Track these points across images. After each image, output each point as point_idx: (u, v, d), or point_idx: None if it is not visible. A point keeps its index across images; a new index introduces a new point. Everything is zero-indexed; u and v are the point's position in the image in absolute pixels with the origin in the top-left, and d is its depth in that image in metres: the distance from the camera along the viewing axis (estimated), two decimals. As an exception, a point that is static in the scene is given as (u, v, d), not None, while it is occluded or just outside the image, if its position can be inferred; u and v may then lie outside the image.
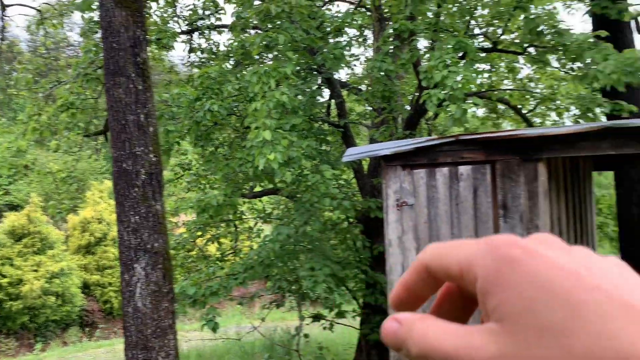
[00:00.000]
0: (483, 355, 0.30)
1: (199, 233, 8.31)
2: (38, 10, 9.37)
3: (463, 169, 4.03)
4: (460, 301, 0.37)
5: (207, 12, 8.40)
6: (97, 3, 5.88)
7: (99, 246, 16.39)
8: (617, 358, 0.27)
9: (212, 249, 9.41)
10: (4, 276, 14.17)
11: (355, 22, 6.32)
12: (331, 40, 6.73)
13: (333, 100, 8.05)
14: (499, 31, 6.68)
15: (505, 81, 9.00)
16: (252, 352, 10.50)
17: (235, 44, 6.76)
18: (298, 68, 6.96)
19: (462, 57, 6.10)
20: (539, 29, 5.35)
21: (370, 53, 10.13)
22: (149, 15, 7.95)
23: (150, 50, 7.44)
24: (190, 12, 8.51)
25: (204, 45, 8.70)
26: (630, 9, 6.32)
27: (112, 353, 12.43)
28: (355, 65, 10.88)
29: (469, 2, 6.18)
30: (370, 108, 8.61)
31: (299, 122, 6.09)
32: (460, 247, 0.34)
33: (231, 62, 8.05)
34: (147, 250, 4.19)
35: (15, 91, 10.51)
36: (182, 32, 8.75)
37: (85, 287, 15.98)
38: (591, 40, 5.20)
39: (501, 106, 8.67)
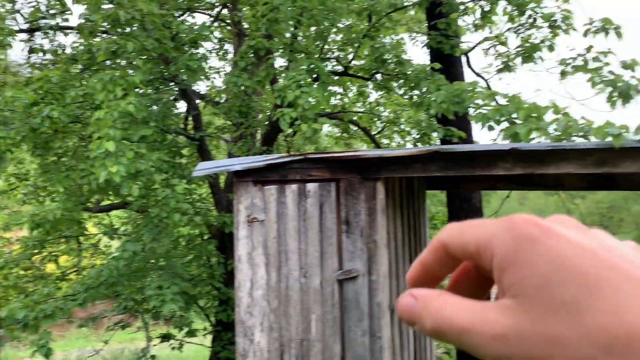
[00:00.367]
0: (498, 330, 0.31)
1: (35, 250, 7.56)
2: None
3: (311, 186, 4.17)
4: (476, 279, 0.37)
5: (52, 11, 7.77)
6: None
7: None
8: (630, 334, 0.28)
9: (51, 267, 8.62)
10: None
11: (211, 35, 6.26)
12: (193, 51, 6.61)
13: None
14: (350, 56, 7.08)
15: (358, 104, 9.55)
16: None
17: (82, 47, 6.32)
18: (152, 77, 6.72)
19: (316, 79, 6.35)
20: (384, 57, 5.76)
21: (230, 67, 10.11)
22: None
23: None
24: (33, 9, 7.81)
25: (48, 46, 8.02)
26: (462, 45, 7.10)
27: None
28: (215, 78, 10.79)
29: (324, 27, 6.47)
30: (230, 122, 8.59)
31: (150, 133, 5.86)
32: (479, 226, 0.34)
33: (79, 66, 7.52)
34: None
35: None
36: (22, 31, 7.99)
37: None
38: (427, 71, 5.73)
39: (354, 127, 9.18)
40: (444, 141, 6.34)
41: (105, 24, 5.52)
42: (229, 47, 10.37)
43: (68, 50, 7.85)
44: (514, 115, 4.32)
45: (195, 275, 7.79)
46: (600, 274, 0.29)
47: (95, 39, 6.68)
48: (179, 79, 6.61)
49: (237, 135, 8.08)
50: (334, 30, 7.56)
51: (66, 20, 7.79)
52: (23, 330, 5.86)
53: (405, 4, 6.62)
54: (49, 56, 8.02)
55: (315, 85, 5.78)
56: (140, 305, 7.93)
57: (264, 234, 4.31)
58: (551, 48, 5.74)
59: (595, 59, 5.12)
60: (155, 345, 7.70)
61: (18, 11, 7.97)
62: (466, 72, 7.27)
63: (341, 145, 9.53)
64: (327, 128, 11.31)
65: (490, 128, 4.58)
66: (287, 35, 6.65)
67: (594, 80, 5.00)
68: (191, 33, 6.36)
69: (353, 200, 4.07)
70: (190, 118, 8.04)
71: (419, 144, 6.62)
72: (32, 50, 7.98)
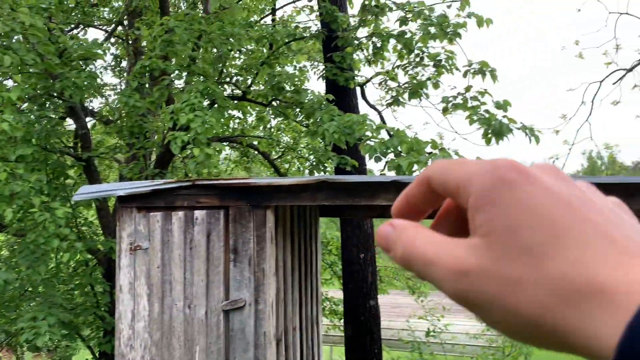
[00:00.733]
0: (461, 266, 0.31)
1: None
2: None
3: (198, 213, 4.09)
4: (457, 218, 0.36)
5: None
6: None
7: None
8: (589, 286, 0.27)
9: None
10: None
11: (101, 52, 6.01)
12: (83, 67, 6.29)
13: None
14: (249, 82, 7.11)
15: (259, 128, 9.57)
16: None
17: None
18: (35, 94, 6.30)
19: (213, 103, 6.29)
20: (280, 85, 5.84)
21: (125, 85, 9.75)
22: None
23: None
24: None
25: None
26: (358, 78, 7.38)
27: None
28: (110, 96, 10.34)
29: (223, 52, 6.45)
30: (123, 142, 8.24)
31: (30, 152, 5.47)
32: (464, 165, 0.33)
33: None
34: None
35: None
36: None
37: None
38: (323, 101, 5.88)
39: (254, 151, 9.16)
40: (338, 169, 6.51)
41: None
42: (126, 64, 10.02)
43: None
44: (400, 148, 4.53)
45: (80, 303, 7.30)
46: (571, 224, 0.29)
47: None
48: (66, 96, 6.26)
49: (129, 156, 7.77)
50: (234, 55, 7.57)
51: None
52: None
53: (304, 35, 6.79)
54: None
55: (210, 110, 5.73)
56: (14, 337, 7.27)
57: (147, 263, 4.14)
58: (436, 85, 6.14)
59: (473, 98, 5.54)
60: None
61: None
62: (361, 103, 7.55)
63: (240, 169, 9.47)
64: (228, 151, 11.22)
65: (378, 159, 4.77)
66: (186, 57, 6.55)
67: (471, 118, 5.39)
68: (81, 49, 6.06)
69: (242, 229, 4.03)
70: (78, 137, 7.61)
71: (315, 171, 6.74)
72: None
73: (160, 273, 4.11)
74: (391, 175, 4.61)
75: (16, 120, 4.78)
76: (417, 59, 6.13)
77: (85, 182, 7.79)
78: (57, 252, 6.30)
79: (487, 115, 5.24)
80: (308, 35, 6.69)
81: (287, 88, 6.08)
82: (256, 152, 8.91)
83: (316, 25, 7.25)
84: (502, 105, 5.22)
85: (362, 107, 7.65)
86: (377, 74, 6.55)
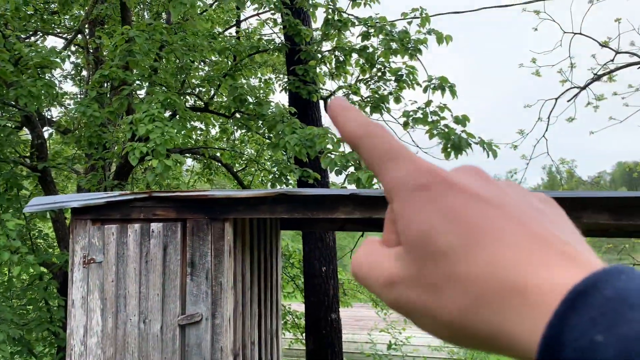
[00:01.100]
0: (389, 277, 0.31)
1: None
2: None
3: (155, 226, 4.01)
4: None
5: None
6: None
7: None
8: (504, 287, 0.26)
9: None
10: None
11: (59, 61, 5.88)
12: (48, 76, 6.13)
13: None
14: (212, 93, 7.06)
15: (223, 140, 9.50)
16: None
17: None
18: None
19: (175, 114, 6.22)
20: (242, 97, 5.82)
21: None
22: None
23: None
24: None
25: None
26: (321, 91, 7.42)
27: None
28: (70, 105, 10.11)
29: (185, 63, 6.39)
30: (82, 152, 8.05)
31: (-20, 162, 5.29)
32: (399, 169, 0.32)
33: None
34: None
35: None
36: None
37: None
38: (286, 113, 5.88)
39: (217, 163, 9.08)
40: (301, 182, 6.51)
41: None
42: (86, 73, 9.82)
43: None
44: (360, 161, 4.55)
45: (33, 319, 7.04)
46: (489, 224, 0.28)
47: None
48: (21, 104, 6.09)
49: (87, 167, 7.60)
50: (197, 66, 7.51)
51: None
52: None
53: (267, 47, 6.80)
54: None
55: (171, 121, 5.66)
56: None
57: (101, 277, 4.04)
58: (397, 100, 6.23)
59: (433, 113, 5.63)
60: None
61: None
62: (325, 117, 7.59)
63: (203, 181, 9.36)
64: (191, 163, 11.09)
65: (338, 172, 4.79)
66: (147, 67, 6.46)
67: (432, 132, 5.48)
68: (37, 57, 5.91)
69: (200, 242, 3.98)
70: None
71: (277, 184, 6.72)
72: None
73: (115, 287, 4.01)
74: (351, 188, 4.64)
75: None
76: (379, 74, 6.21)
77: (41, 193, 7.57)
78: (9, 265, 6.08)
79: (446, 130, 5.34)
80: (271, 47, 6.71)
81: (250, 100, 6.06)
82: (219, 164, 8.83)
83: (279, 38, 7.27)
84: (461, 120, 5.33)
85: (326, 120, 7.69)
86: (340, 87, 6.61)
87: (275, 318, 5.22)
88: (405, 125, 5.86)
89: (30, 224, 7.51)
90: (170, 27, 6.44)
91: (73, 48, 9.53)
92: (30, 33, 7.84)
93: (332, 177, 7.81)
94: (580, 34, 7.03)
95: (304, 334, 7.39)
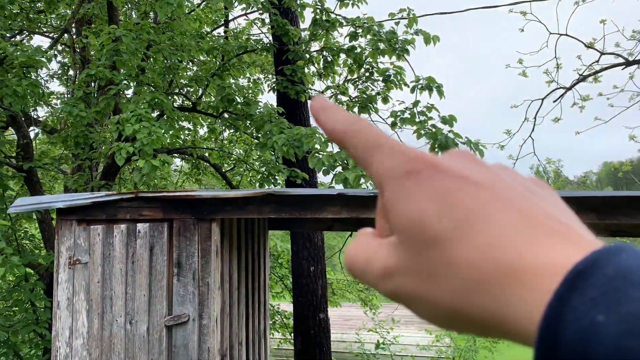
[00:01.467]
0: (386, 268, 0.30)
1: None
2: None
3: (141, 227, 3.99)
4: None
5: None
6: None
7: None
8: (497, 269, 0.26)
9: None
10: None
11: (45, 60, 5.83)
12: (34, 75, 6.07)
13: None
14: (200, 93, 7.03)
15: (212, 140, 9.47)
16: None
17: None
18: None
19: (162, 114, 6.19)
20: (230, 97, 5.81)
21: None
22: None
23: None
24: None
25: None
26: (310, 91, 7.42)
27: None
28: (56, 105, 10.02)
29: (172, 62, 6.36)
30: (69, 153, 7.99)
31: (-35, 163, 5.23)
32: (387, 159, 0.31)
33: None
34: None
35: None
36: None
37: None
38: (273, 113, 5.87)
39: (206, 163, 9.05)
40: (289, 182, 6.50)
41: None
42: (73, 73, 9.74)
43: None
44: (347, 161, 4.57)
45: (19, 320, 6.98)
46: (482, 206, 0.27)
47: None
48: (6, 104, 6.03)
49: (74, 167, 7.54)
50: (185, 65, 7.48)
51: None
52: None
53: (255, 47, 6.79)
54: None
55: (158, 120, 5.63)
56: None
57: (87, 278, 4.01)
58: (385, 100, 6.25)
59: (421, 113, 5.66)
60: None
61: None
62: (313, 117, 7.58)
63: (192, 182, 9.33)
64: (179, 163, 11.04)
65: (326, 172, 4.79)
66: (134, 66, 6.43)
67: (419, 132, 5.50)
68: (22, 56, 5.86)
69: (186, 242, 3.96)
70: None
71: (265, 184, 6.71)
72: None
73: (101, 288, 3.98)
74: (339, 188, 4.65)
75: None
76: (367, 74, 6.23)
77: (27, 193, 7.50)
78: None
79: (433, 130, 5.36)
80: (259, 47, 6.70)
81: (238, 100, 6.05)
82: (207, 164, 8.80)
83: (268, 38, 7.27)
84: (448, 121, 5.35)
85: (314, 120, 7.69)
86: (328, 87, 6.61)
87: (263, 318, 5.22)
88: (393, 125, 5.88)
89: (16, 224, 7.44)
90: (157, 26, 6.41)
91: (60, 47, 9.45)
92: (16, 32, 7.77)
93: (321, 177, 7.81)
94: (566, 35, 7.09)
95: (292, 334, 7.39)
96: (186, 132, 8.12)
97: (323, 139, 4.81)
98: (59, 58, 9.72)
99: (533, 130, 7.34)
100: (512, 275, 0.26)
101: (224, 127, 7.46)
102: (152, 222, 3.98)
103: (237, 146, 9.04)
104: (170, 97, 6.65)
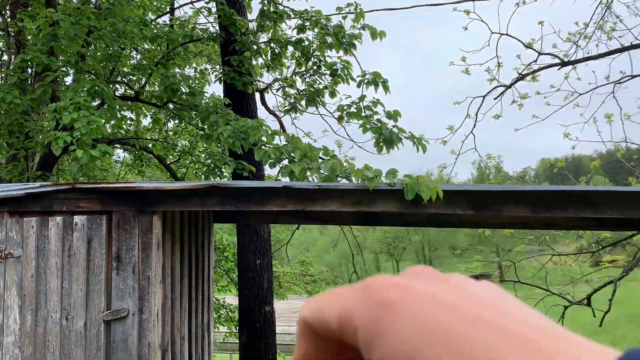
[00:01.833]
0: None
1: None
2: None
3: (78, 219, 3.85)
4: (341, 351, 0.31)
5: None
6: None
7: None
8: None
9: None
10: None
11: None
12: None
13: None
14: (143, 82, 6.84)
15: (155, 131, 9.23)
16: None
17: None
18: None
19: (103, 103, 5.98)
20: (174, 87, 5.68)
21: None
22: None
23: None
24: None
25: None
26: (258, 83, 7.36)
27: None
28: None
29: (114, 50, 6.15)
30: (4, 142, 7.60)
31: None
32: (337, 296, 0.30)
33: None
34: None
35: None
36: None
37: None
38: (220, 104, 5.79)
39: (150, 154, 8.82)
40: (235, 174, 6.44)
41: None
42: (7, 58, 9.25)
43: None
44: (293, 154, 4.57)
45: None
46: (464, 329, 0.26)
47: None
48: None
49: (9, 156, 7.19)
50: (127, 53, 7.25)
51: None
52: None
53: (202, 36, 6.66)
54: None
55: (98, 109, 5.44)
56: None
57: (19, 272, 3.83)
58: (332, 94, 6.28)
59: (367, 108, 5.72)
60: None
61: None
62: (261, 109, 7.54)
63: (134, 173, 9.08)
64: (122, 154, 10.71)
65: (272, 165, 4.78)
66: (73, 53, 6.17)
67: (365, 127, 5.57)
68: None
69: (126, 235, 3.86)
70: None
71: (211, 176, 6.62)
72: None
73: (35, 283, 3.82)
74: (285, 181, 4.64)
75: None
76: (315, 67, 6.23)
77: (-46, 184, 7.08)
78: None
79: (378, 125, 5.44)
80: (205, 37, 6.57)
81: (183, 90, 5.92)
82: (151, 156, 8.59)
83: (214, 27, 7.15)
84: (393, 115, 5.44)
85: (262, 113, 7.64)
86: (276, 80, 6.58)
87: (206, 312, 5.16)
88: (340, 119, 5.92)
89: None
90: (99, 12, 6.18)
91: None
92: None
93: (268, 170, 7.79)
94: (507, 34, 7.35)
95: (237, 328, 7.35)
96: (128, 122, 7.88)
97: (270, 131, 4.79)
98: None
99: (474, 126, 7.58)
100: None
101: (168, 118, 7.30)
102: (90, 215, 3.85)
103: (182, 137, 8.86)
104: (111, 86, 6.43)
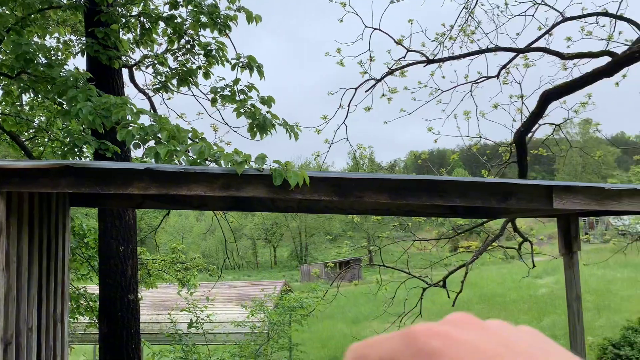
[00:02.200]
0: None
1: None
2: None
3: None
4: None
5: None
6: None
7: None
8: None
9: None
10: None
11: None
12: None
13: None
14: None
15: (10, 103, 8.32)
16: None
17: None
18: None
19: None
20: (27, 56, 5.15)
21: None
22: None
23: None
24: None
25: None
26: (126, 59, 6.93)
27: None
28: None
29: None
30: None
31: None
32: (381, 343, 0.32)
33: None
34: None
35: None
36: None
37: None
38: (80, 78, 5.36)
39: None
40: (97, 154, 6.03)
41: None
42: None
43: None
44: (160, 135, 4.38)
45: None
46: None
47: None
48: None
49: None
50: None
51: None
52: None
53: (62, 2, 6.10)
54: None
55: None
56: None
57: None
58: (206, 75, 6.10)
59: (241, 92, 5.66)
60: None
61: None
62: (131, 87, 7.13)
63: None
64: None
65: (137, 145, 4.55)
66: None
67: (239, 111, 5.50)
68: None
69: (-39, 217, 3.43)
70: None
71: (70, 156, 6.13)
72: None
73: None
74: (151, 162, 4.45)
75: None
76: (188, 46, 6.01)
77: None
78: None
79: (252, 110, 5.40)
80: (67, 4, 6.03)
81: (39, 60, 5.39)
82: (2, 131, 7.74)
83: (78, -5, 6.58)
84: (267, 101, 5.44)
85: (131, 91, 7.23)
86: (146, 56, 6.24)
87: (60, 302, 4.78)
88: (214, 101, 5.79)
89: None
90: None
91: None
92: None
93: (137, 152, 7.41)
94: (379, 29, 7.66)
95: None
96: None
97: (135, 110, 4.54)
98: None
99: (347, 117, 7.83)
100: None
101: (21, 91, 6.60)
102: None
103: (39, 113, 8.09)
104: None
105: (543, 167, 65.02)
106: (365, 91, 7.88)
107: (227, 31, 5.70)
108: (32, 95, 6.95)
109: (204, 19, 5.62)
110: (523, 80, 8.29)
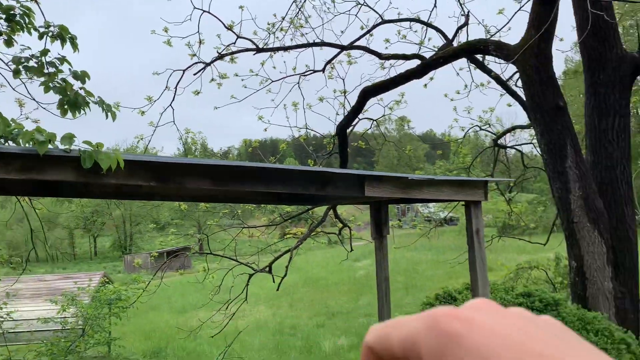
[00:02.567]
0: None
1: None
2: None
3: None
4: None
5: None
6: None
7: None
8: None
9: None
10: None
11: None
12: None
13: None
14: None
15: None
16: None
17: None
18: None
19: None
20: None
21: None
22: None
23: None
24: None
25: None
26: None
27: None
28: None
29: None
30: None
31: None
32: (402, 324, 0.33)
33: None
34: None
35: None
36: None
37: None
38: None
39: None
40: None
41: None
42: None
43: None
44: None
45: None
46: None
47: None
48: None
49: None
50: None
51: None
52: None
53: None
54: None
55: None
56: None
57: None
58: (9, 43, 5.36)
59: (51, 64, 5.10)
60: None
61: None
62: None
63: None
64: None
65: None
66: None
67: (47, 85, 4.96)
68: None
69: None
70: None
71: None
72: None
73: None
74: None
75: None
76: (-16, 8, 5.20)
77: None
78: None
79: (63, 85, 4.91)
80: None
81: None
82: None
83: None
84: (80, 76, 4.98)
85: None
86: None
87: None
88: (16, 73, 5.12)
89: None
90: None
91: None
92: None
93: None
94: (209, 12, 7.48)
95: None
96: None
97: None
98: None
99: (173, 99, 7.52)
100: None
101: None
102: None
103: None
104: None
105: (365, 159, 70.23)
106: (194, 74, 7.65)
107: (34, -5, 5.07)
108: None
109: (4, -22, 4.91)
110: (346, 76, 8.80)
